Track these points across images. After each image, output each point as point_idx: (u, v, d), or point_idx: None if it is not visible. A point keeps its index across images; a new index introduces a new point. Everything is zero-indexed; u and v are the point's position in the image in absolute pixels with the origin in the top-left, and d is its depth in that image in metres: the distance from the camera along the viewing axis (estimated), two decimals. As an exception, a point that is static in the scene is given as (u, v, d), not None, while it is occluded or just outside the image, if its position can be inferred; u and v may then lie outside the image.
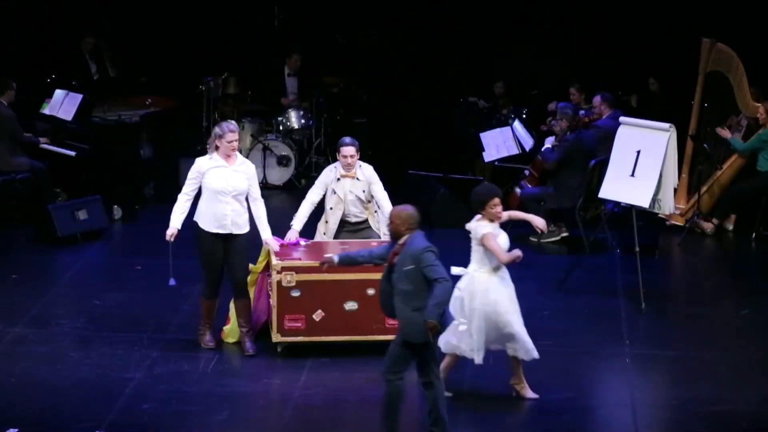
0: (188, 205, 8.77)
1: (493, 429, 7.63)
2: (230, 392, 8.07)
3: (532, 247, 11.68)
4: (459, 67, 15.05)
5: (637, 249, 9.94)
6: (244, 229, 8.71)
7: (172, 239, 8.68)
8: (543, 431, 7.68)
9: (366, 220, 9.38)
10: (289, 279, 8.62)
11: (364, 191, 9.27)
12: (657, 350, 9.02)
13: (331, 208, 9.30)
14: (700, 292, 10.69)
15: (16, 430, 7.33)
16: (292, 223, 9.18)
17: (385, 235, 9.27)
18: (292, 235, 9.10)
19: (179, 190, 13.38)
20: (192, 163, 13.45)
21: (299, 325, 8.66)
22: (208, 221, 8.68)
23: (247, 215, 8.75)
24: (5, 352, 8.71)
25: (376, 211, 9.37)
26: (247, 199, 8.74)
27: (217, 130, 8.75)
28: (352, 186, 9.26)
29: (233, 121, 9.00)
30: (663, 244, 11.77)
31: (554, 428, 7.65)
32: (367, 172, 9.32)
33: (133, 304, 9.81)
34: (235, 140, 8.72)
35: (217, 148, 8.72)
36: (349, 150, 9.21)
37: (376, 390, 8.10)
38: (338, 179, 9.25)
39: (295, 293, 8.63)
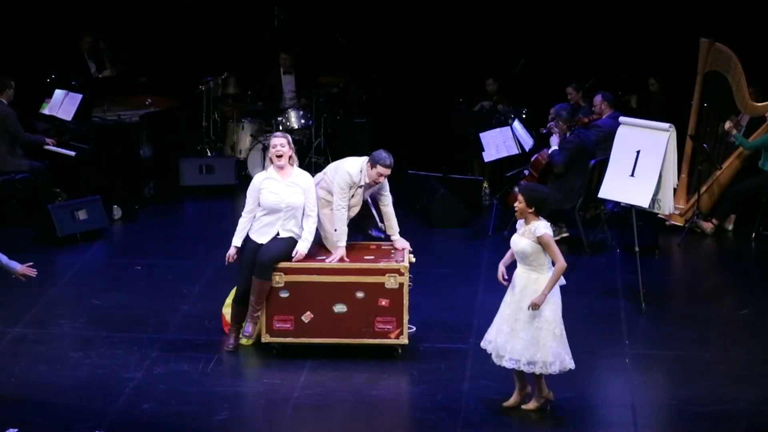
0: (249, 224, 8.73)
1: (492, 429, 7.63)
2: (230, 392, 8.07)
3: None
4: (459, 67, 15.05)
5: (637, 249, 9.94)
6: (291, 235, 8.65)
7: (231, 260, 8.71)
8: (543, 431, 7.68)
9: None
10: (278, 280, 8.62)
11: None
12: (657, 350, 9.02)
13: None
14: (700, 292, 10.69)
15: (16, 430, 7.33)
16: (338, 241, 8.79)
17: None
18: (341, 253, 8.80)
19: (179, 190, 13.67)
20: (191, 162, 13.74)
21: (288, 326, 8.66)
22: (255, 229, 8.71)
23: (299, 228, 8.67)
24: (5, 352, 8.72)
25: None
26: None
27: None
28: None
29: (283, 133, 8.92)
30: (663, 244, 11.77)
31: (554, 428, 7.65)
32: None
33: (133, 304, 9.81)
34: (280, 145, 8.63)
35: (271, 161, 8.71)
36: (388, 171, 8.77)
37: (375, 390, 8.13)
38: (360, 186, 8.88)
39: (284, 294, 8.63)
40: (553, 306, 7.51)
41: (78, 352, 8.70)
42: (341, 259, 8.69)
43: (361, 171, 8.79)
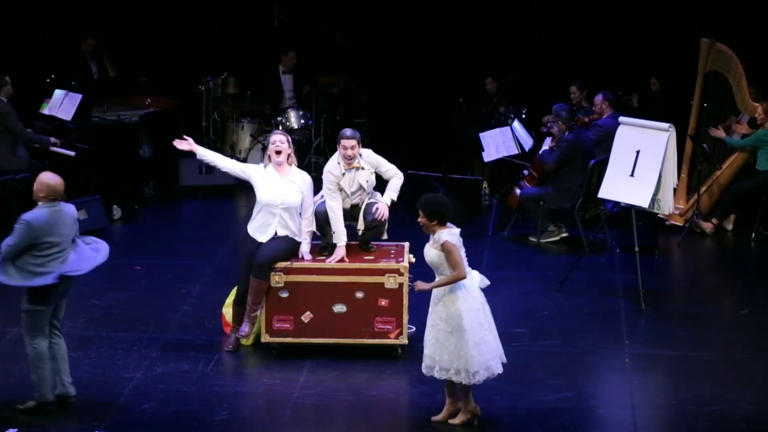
0: (224, 162, 8.87)
1: (492, 429, 7.62)
2: (230, 392, 8.07)
3: (531, 247, 11.71)
4: (459, 67, 15.05)
5: (637, 249, 9.94)
6: (288, 233, 8.66)
7: (181, 145, 9.10)
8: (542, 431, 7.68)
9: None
10: (278, 280, 8.62)
11: (367, 181, 8.89)
12: (657, 350, 9.02)
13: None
14: (700, 292, 10.69)
15: (16, 430, 7.33)
16: (338, 242, 8.74)
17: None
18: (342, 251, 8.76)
19: (179, 190, 13.67)
20: (191, 162, 13.73)
21: (288, 326, 8.66)
22: (254, 227, 8.71)
23: (297, 227, 8.70)
24: (5, 352, 8.73)
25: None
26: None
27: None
28: (357, 175, 8.86)
29: (283, 131, 8.96)
30: (662, 244, 11.77)
31: (554, 428, 7.64)
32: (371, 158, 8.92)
33: (133, 304, 9.81)
34: (279, 141, 8.64)
35: (269, 158, 8.71)
36: (350, 142, 8.76)
37: (375, 390, 8.13)
38: (343, 174, 8.83)
39: (284, 294, 8.63)
40: (469, 314, 7.31)
41: (78, 351, 8.68)
42: (341, 259, 8.69)
43: (339, 163, 8.76)
